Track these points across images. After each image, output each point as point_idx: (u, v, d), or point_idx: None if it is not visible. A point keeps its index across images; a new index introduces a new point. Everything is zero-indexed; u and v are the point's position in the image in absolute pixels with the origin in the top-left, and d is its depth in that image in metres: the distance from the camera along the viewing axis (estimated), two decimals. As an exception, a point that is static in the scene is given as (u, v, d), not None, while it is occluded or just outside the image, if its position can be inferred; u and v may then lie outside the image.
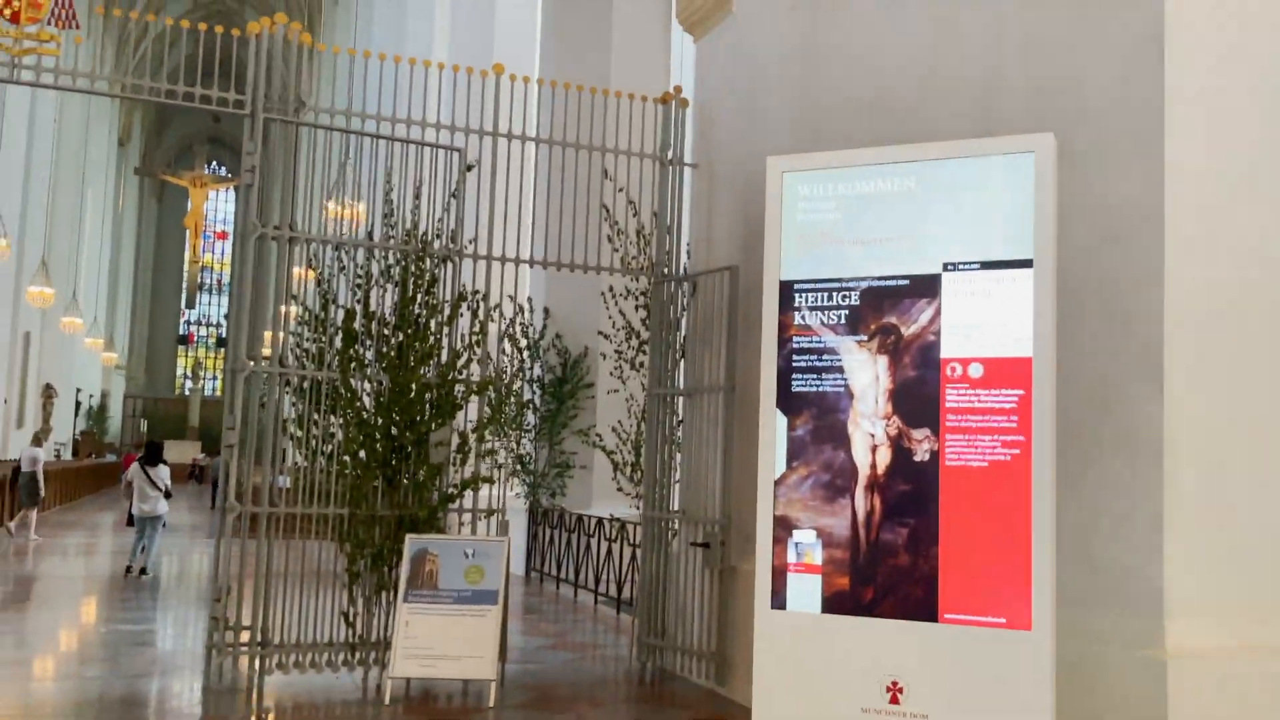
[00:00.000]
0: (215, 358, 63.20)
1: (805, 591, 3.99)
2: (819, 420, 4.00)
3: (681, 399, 7.41)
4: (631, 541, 9.77)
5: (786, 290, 4.12)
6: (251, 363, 6.41)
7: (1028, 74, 4.40)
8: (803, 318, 4.07)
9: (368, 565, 6.64)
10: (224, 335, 63.97)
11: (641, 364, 8.51)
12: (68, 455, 38.20)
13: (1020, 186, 3.81)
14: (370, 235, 6.87)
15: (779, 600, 4.04)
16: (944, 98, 4.68)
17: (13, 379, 32.09)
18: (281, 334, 6.76)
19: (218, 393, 61.02)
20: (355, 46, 7.03)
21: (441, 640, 6.28)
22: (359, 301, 6.72)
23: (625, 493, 9.25)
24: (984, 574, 3.81)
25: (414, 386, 6.66)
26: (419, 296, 6.81)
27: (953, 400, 3.87)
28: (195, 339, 63.83)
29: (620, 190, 7.79)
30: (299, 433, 6.60)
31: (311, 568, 6.61)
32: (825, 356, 4.02)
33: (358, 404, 6.65)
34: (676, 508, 7.37)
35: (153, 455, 12.78)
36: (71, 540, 16.34)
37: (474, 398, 6.95)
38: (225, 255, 63.54)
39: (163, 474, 12.58)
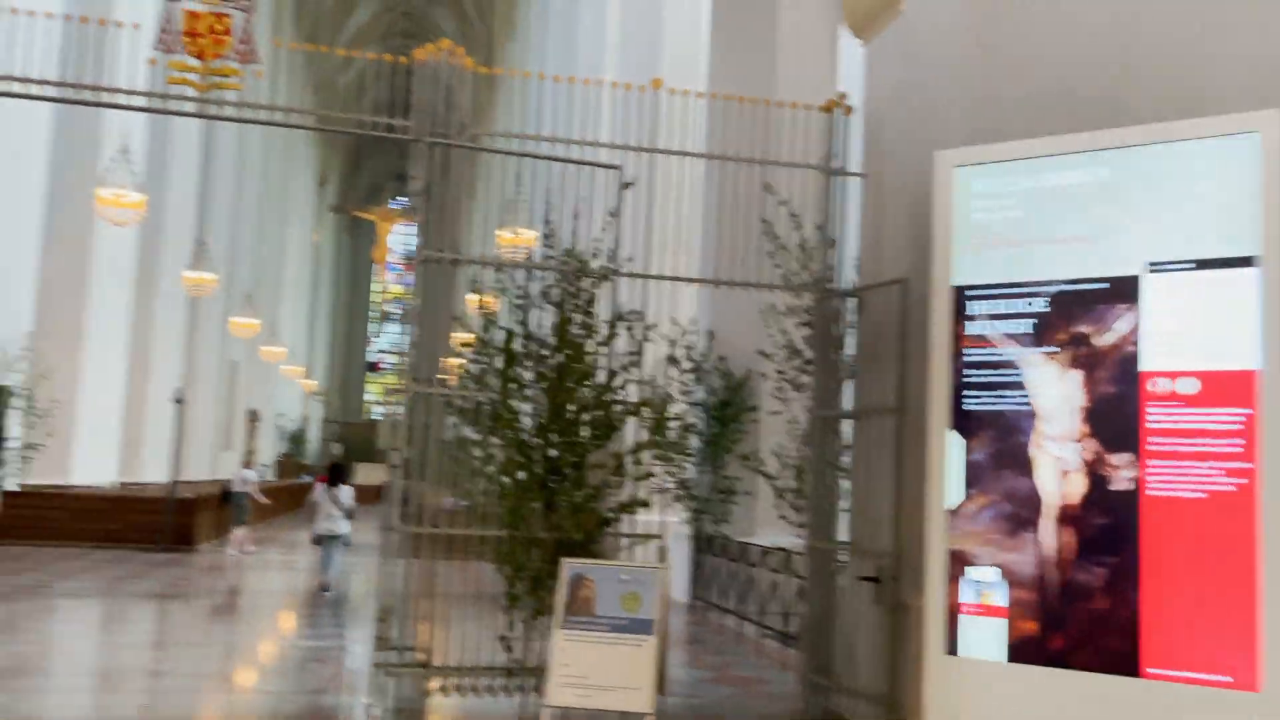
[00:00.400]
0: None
1: (985, 636, 3.56)
2: (999, 443, 3.57)
3: (848, 422, 7.02)
4: (797, 572, 9.38)
5: (959, 297, 3.72)
6: (416, 385, 6.45)
7: (1244, 49, 3.86)
8: (978, 327, 3.66)
9: (526, 589, 6.54)
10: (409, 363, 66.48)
11: (805, 385, 8.16)
12: (269, 476, 40.55)
13: (1239, 173, 3.29)
14: (530, 255, 6.82)
15: (954, 644, 3.62)
16: (1142, 81, 4.17)
17: (221, 404, 34.40)
18: (442, 357, 6.78)
19: (400, 417, 63.45)
20: (531, 71, 7.00)
21: (598, 669, 6.07)
22: (519, 322, 6.68)
23: (789, 521, 8.89)
24: (1196, 623, 3.29)
25: (571, 407, 6.54)
26: (577, 316, 6.71)
27: (1156, 420, 3.37)
28: (383, 366, 66.95)
29: (782, 204, 7.50)
30: (461, 454, 6.58)
31: (475, 589, 6.57)
32: (1005, 371, 3.59)
33: (517, 425, 6.58)
34: (843, 538, 6.96)
35: (336, 476, 13.25)
36: (271, 557, 17.19)
37: (633, 419, 6.78)
38: (412, 287, 66.33)
39: (345, 494, 12.99)
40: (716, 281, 7.18)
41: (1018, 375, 3.57)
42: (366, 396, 65.59)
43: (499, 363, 6.62)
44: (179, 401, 17.51)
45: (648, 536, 6.79)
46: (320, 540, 12.85)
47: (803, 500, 8.21)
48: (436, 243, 6.59)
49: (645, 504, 6.67)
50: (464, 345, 6.71)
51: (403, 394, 6.52)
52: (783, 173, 7.20)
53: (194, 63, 6.42)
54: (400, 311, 66.05)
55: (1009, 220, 3.66)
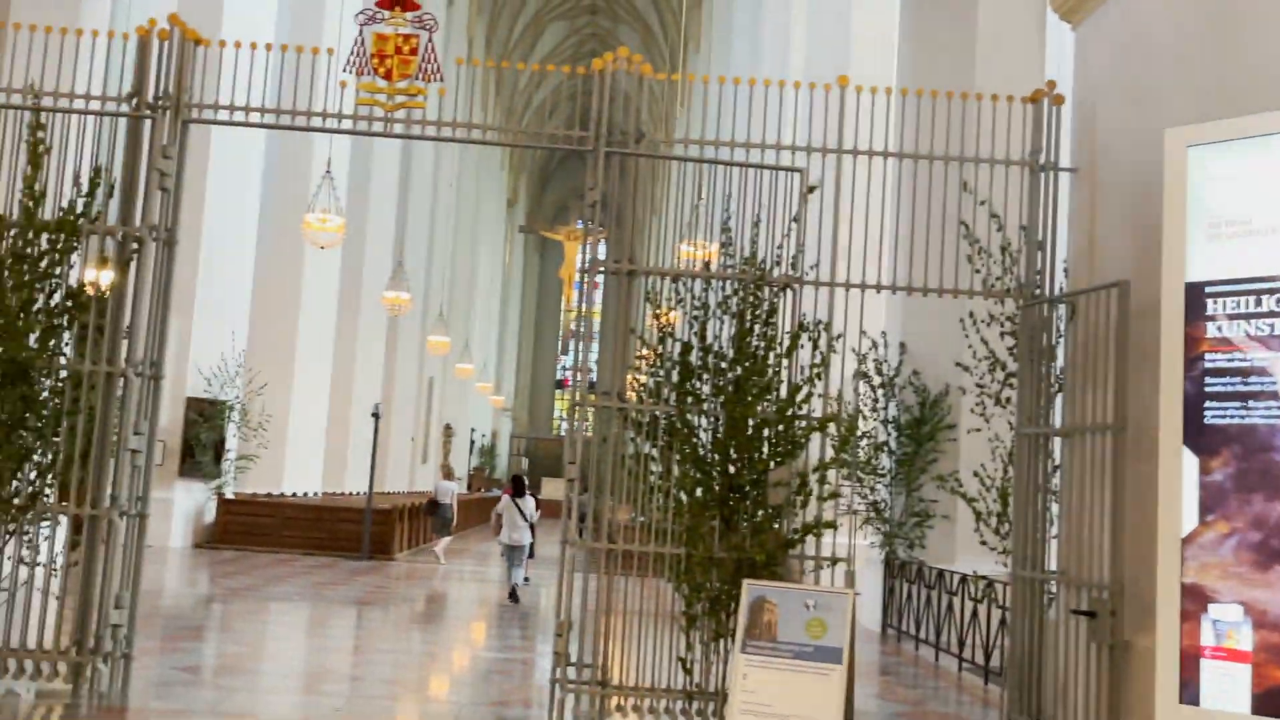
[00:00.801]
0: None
1: (1228, 685, 3.09)
2: (1244, 461, 3.10)
3: (1058, 440, 6.46)
4: (1000, 603, 8.74)
5: (1195, 295, 3.26)
6: (595, 398, 6.39)
7: None
8: (1219, 329, 3.20)
9: (705, 609, 6.34)
10: (594, 380, 68.05)
11: (1009, 400, 7.62)
12: (462, 489, 42.01)
13: None
14: (707, 265, 6.64)
15: (1191, 693, 3.17)
16: None
17: (418, 419, 35.93)
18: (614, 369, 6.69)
19: (589, 434, 64.76)
20: (713, 78, 6.84)
21: (781, 698, 5.78)
22: (696, 334, 6.51)
23: (991, 547, 8.30)
24: None
25: (751, 422, 6.30)
26: (757, 327, 6.47)
27: None
28: (570, 383, 68.42)
29: (982, 203, 7.02)
30: (638, 469, 6.46)
31: (653, 607, 6.42)
32: (1254, 379, 3.12)
33: (694, 440, 6.40)
34: (1054, 567, 6.40)
35: (520, 488, 13.53)
36: (464, 567, 17.69)
37: (816, 436, 6.47)
38: (599, 305, 67.85)
39: (529, 506, 13.26)
40: (910, 289, 6.80)
41: (1272, 383, 3.09)
42: (554, 413, 67.25)
43: (676, 376, 6.47)
44: (376, 416, 18.31)
45: (834, 560, 6.44)
46: (504, 550, 13.17)
47: (1007, 525, 7.63)
48: (614, 254, 6.52)
49: (831, 526, 6.35)
50: (641, 358, 6.60)
51: (581, 408, 6.47)
52: (981, 171, 6.74)
53: (382, 83, 6.60)
54: (582, 328, 67.52)
55: (1256, 204, 3.19)
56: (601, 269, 6.45)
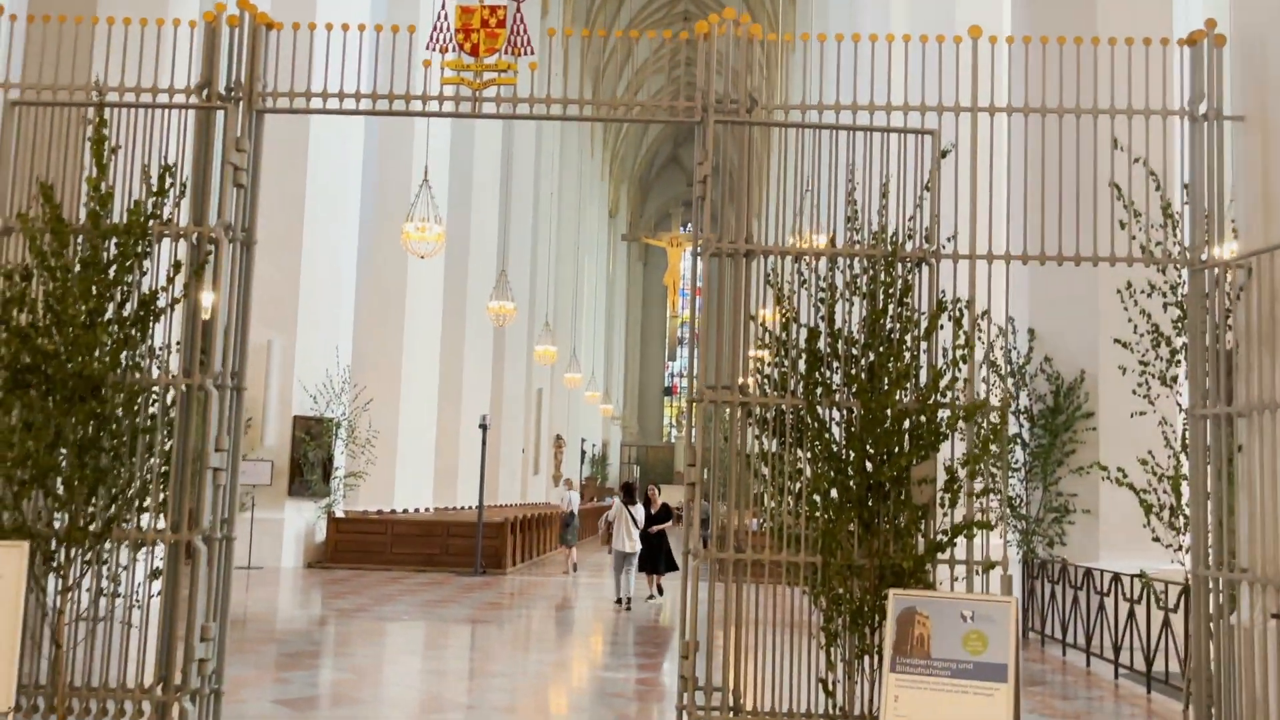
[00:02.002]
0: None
1: None
2: None
3: (1240, 420, 5.60)
4: (1162, 604, 7.84)
5: None
6: (710, 392, 5.73)
7: None
8: None
9: (846, 623, 5.61)
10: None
11: (1174, 379, 6.77)
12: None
13: None
14: (832, 242, 5.91)
15: None
16: None
17: (528, 430, 35.79)
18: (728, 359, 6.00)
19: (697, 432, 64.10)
20: (814, 37, 6.14)
21: (942, 725, 5.02)
22: (823, 318, 5.79)
23: (1164, 543, 7.38)
24: None
25: (889, 413, 5.55)
26: (891, 308, 5.72)
27: None
28: (678, 390, 67.86)
29: (1137, 160, 6.18)
30: (764, 469, 5.77)
31: (788, 621, 5.73)
32: None
33: (826, 435, 5.68)
34: (1243, 565, 5.54)
35: (630, 495, 13.16)
36: (578, 578, 17.21)
37: (961, 426, 5.71)
38: (702, 310, 67.08)
39: (639, 513, 12.96)
40: (1062, 258, 5.97)
41: None
42: (664, 420, 66.76)
43: (802, 365, 5.78)
44: (484, 427, 17.99)
45: (989, 564, 5.65)
46: (614, 557, 13.06)
47: (1177, 518, 6.74)
48: (727, 233, 5.85)
49: (987, 526, 5.56)
50: (762, 347, 5.90)
51: (696, 403, 5.81)
52: (1118, 126, 5.95)
53: (469, 60, 6.08)
54: (689, 335, 66.99)
55: None
56: (716, 250, 5.78)
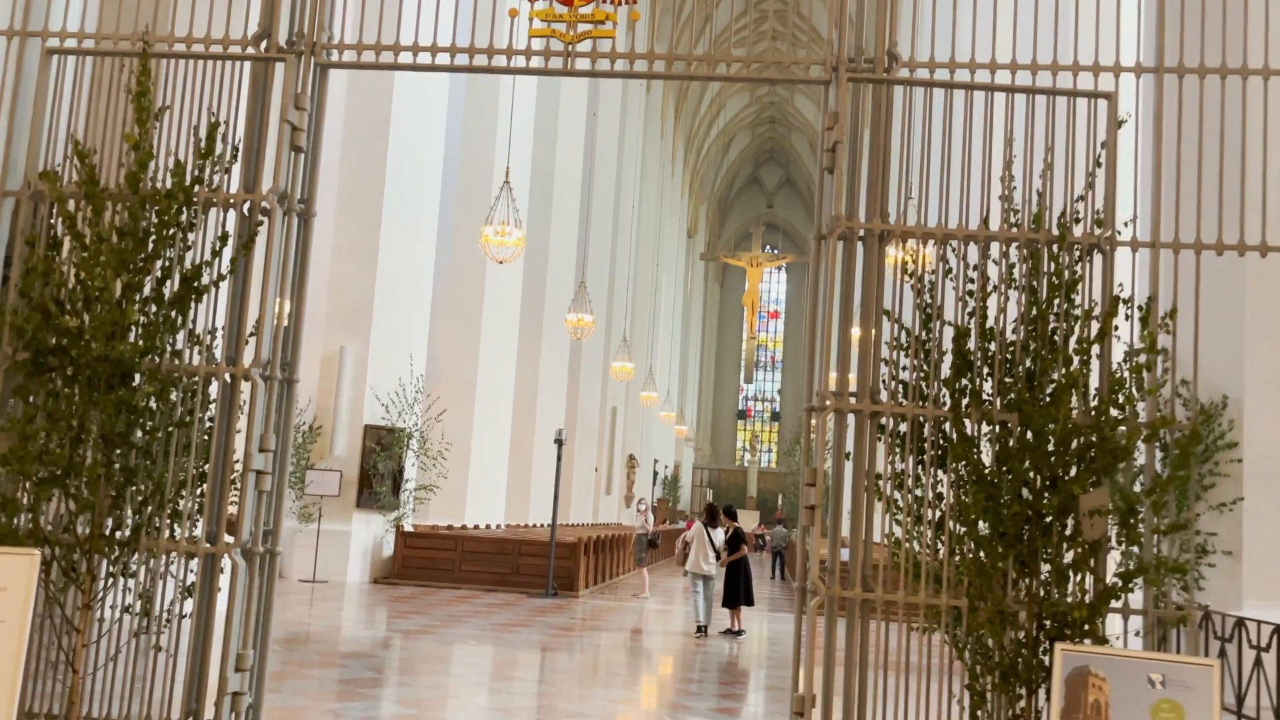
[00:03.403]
0: (770, 431, 65.40)
1: None
2: None
3: None
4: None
5: None
6: (832, 400, 4.81)
7: None
8: None
9: (995, 682, 4.62)
10: (777, 410, 66.36)
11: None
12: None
13: None
14: (985, 223, 4.95)
15: None
16: None
17: (602, 449, 35.02)
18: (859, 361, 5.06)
19: (772, 465, 62.93)
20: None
21: (1132, 824, 4.01)
22: (971, 314, 4.83)
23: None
24: None
25: (1054, 429, 4.57)
26: (1056, 303, 4.75)
27: None
28: (752, 413, 66.66)
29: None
30: (895, 494, 4.82)
31: (920, 673, 4.77)
32: None
33: (974, 454, 4.71)
34: None
35: (712, 517, 12.38)
36: (650, 605, 16.29)
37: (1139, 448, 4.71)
38: (778, 333, 65.97)
39: (719, 537, 12.20)
40: (1265, 249, 4.93)
41: None
42: (737, 443, 65.54)
43: (946, 369, 4.83)
44: (560, 443, 17.22)
45: (1181, 618, 4.62)
46: (691, 580, 12.46)
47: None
48: (857, 212, 4.94)
49: (1181, 570, 4.54)
50: (895, 347, 4.96)
51: (816, 412, 4.89)
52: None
53: (561, 9, 5.28)
54: (769, 359, 65.59)
55: None
56: (844, 231, 4.87)
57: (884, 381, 4.91)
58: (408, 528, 16.97)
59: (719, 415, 65.58)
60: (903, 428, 4.84)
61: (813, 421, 4.93)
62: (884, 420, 4.86)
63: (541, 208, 24.27)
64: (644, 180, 40.32)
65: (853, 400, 4.84)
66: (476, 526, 19.58)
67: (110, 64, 5.18)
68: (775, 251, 56.89)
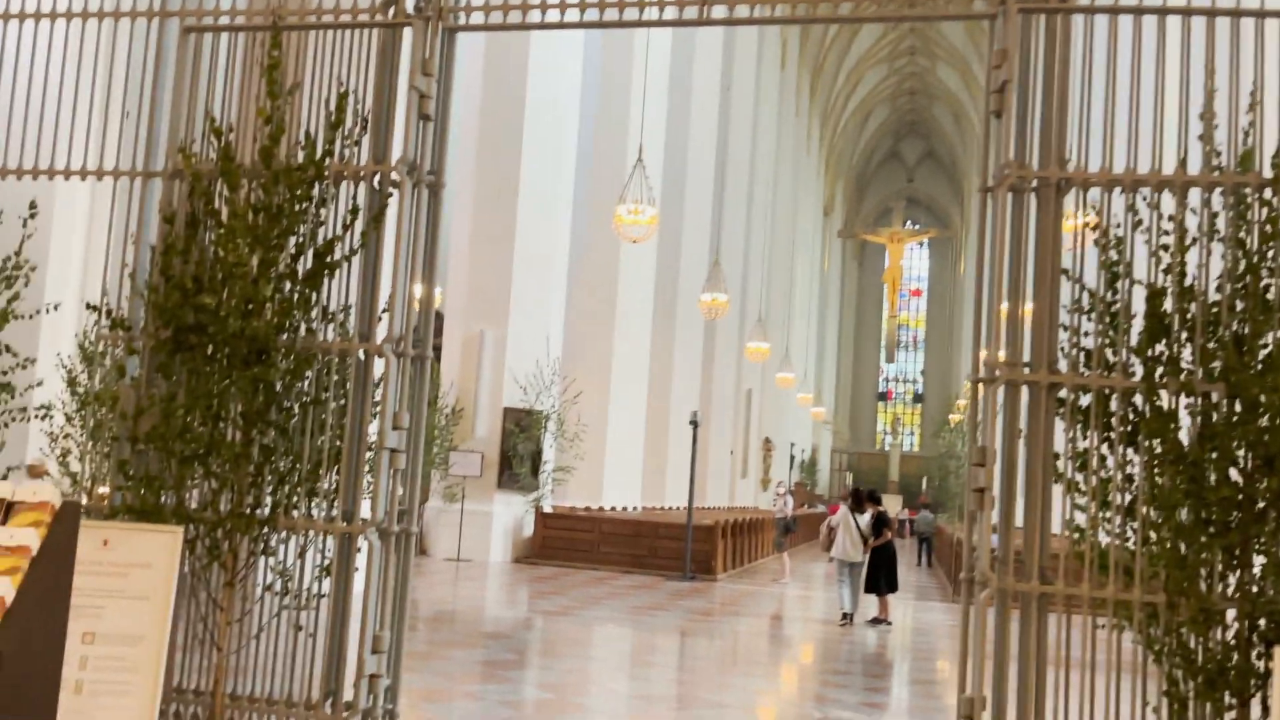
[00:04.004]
0: (912, 413, 63.63)
1: None
2: None
3: None
4: None
5: None
6: (1005, 369, 4.34)
7: None
8: None
9: (1197, 688, 4.10)
10: (920, 391, 64.42)
11: None
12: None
13: None
14: (1183, 166, 4.37)
15: None
16: None
17: (737, 431, 34.61)
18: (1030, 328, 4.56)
19: (915, 448, 61.19)
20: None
21: None
22: (1166, 271, 4.28)
23: None
24: None
25: (1268, 401, 4.00)
26: (1270, 256, 4.15)
27: None
28: (893, 395, 64.98)
29: None
30: (1077, 474, 4.33)
31: (1114, 678, 4.27)
32: None
33: (1172, 431, 4.17)
34: None
35: (859, 501, 11.87)
36: (790, 590, 15.89)
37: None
38: (920, 312, 64.02)
39: (865, 521, 11.66)
40: None
41: None
42: (877, 425, 64.02)
43: (1136, 335, 4.30)
44: (695, 424, 16.93)
45: None
46: (837, 566, 11.99)
47: None
48: (1030, 159, 4.44)
49: None
50: (1077, 309, 4.44)
51: (985, 383, 4.43)
52: None
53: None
54: (911, 339, 63.73)
55: None
56: (1017, 182, 4.38)
57: (1062, 350, 4.41)
58: (546, 509, 17.01)
59: (858, 397, 64.16)
60: (1085, 400, 4.34)
61: (981, 395, 4.48)
62: (1063, 393, 4.36)
63: (675, 186, 23.97)
64: (779, 158, 39.55)
65: (1027, 371, 4.36)
66: (613, 508, 19.52)
67: (244, 40, 5.11)
68: (917, 227, 55.17)
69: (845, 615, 11.56)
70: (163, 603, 4.47)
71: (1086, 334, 4.40)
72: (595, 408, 19.23)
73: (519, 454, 16.45)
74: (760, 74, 35.12)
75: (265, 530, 4.74)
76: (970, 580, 4.42)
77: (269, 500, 4.74)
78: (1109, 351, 4.34)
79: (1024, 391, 4.42)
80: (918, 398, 64.40)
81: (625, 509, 20.07)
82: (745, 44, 32.43)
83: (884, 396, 64.91)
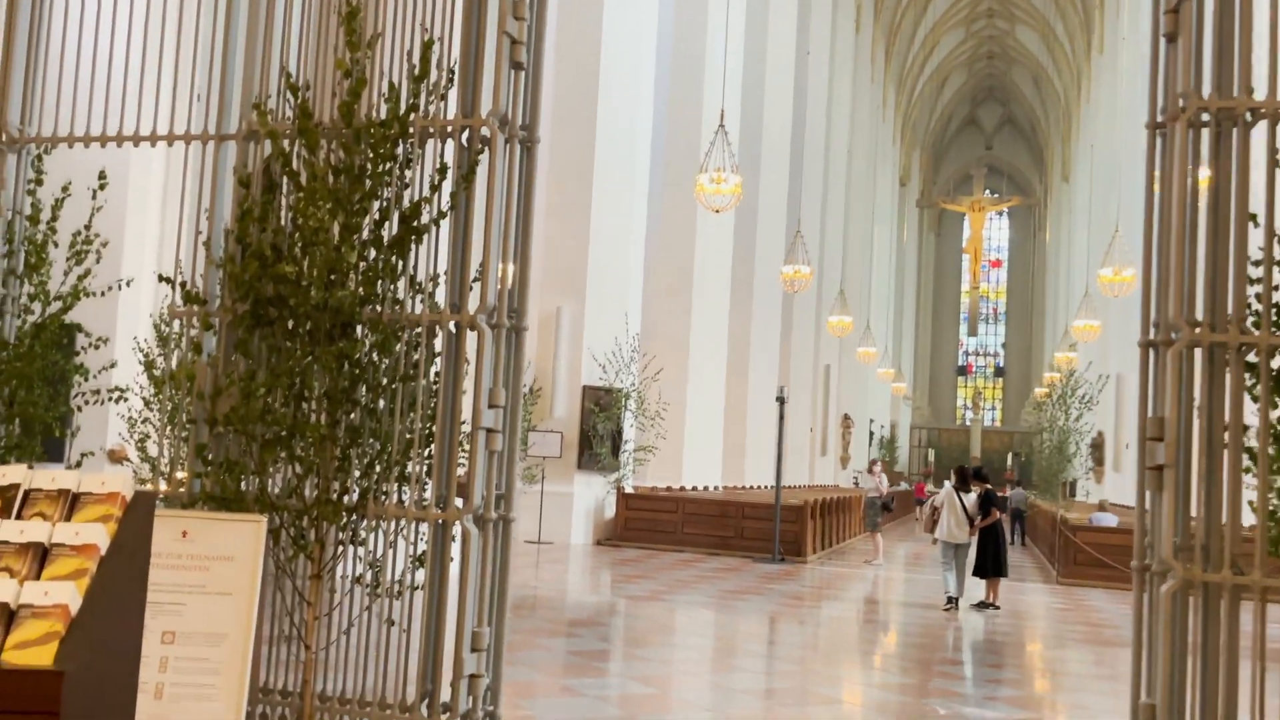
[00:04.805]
0: (994, 388, 62.06)
1: None
2: None
3: None
4: None
5: None
6: (1190, 330, 3.78)
7: None
8: None
9: None
10: (1000, 365, 62.71)
11: None
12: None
13: None
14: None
15: None
16: None
17: (815, 408, 33.91)
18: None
19: (997, 424, 59.64)
20: None
21: None
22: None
23: None
24: None
25: None
26: None
27: None
28: (974, 369, 63.41)
29: None
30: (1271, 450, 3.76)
31: None
32: None
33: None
34: None
35: (965, 480, 11.24)
36: (886, 573, 15.32)
37: None
38: (1000, 284, 62.32)
39: (971, 501, 11.04)
40: None
41: None
42: (958, 400, 62.57)
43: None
44: (782, 401, 16.40)
45: None
46: (943, 549, 11.34)
47: None
48: (1203, 88, 3.86)
49: None
50: (1258, 263, 3.86)
51: (1164, 347, 3.87)
52: None
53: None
54: (991, 311, 62.02)
55: None
56: (1189, 116, 3.80)
57: (1250, 305, 3.83)
58: (628, 489, 16.65)
59: (937, 372, 62.75)
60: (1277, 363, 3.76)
61: (1155, 360, 3.92)
62: (1251, 353, 3.79)
63: (751, 156, 23.32)
64: (855, 126, 38.51)
65: (1214, 333, 3.79)
66: (695, 488, 19.10)
67: (318, -14, 4.73)
68: (997, 195, 53.51)
69: (950, 599, 10.99)
70: (247, 598, 4.14)
71: (1277, 288, 3.81)
72: (674, 385, 18.81)
73: (599, 433, 16.10)
74: (835, 39, 34.16)
75: (353, 518, 4.40)
76: (1145, 569, 3.89)
77: (357, 486, 4.40)
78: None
79: (1197, 355, 3.86)
80: (999, 371, 62.77)
81: (706, 489, 19.63)
82: (821, 6, 31.53)
83: (964, 371, 63.40)
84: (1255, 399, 3.79)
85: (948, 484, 11.40)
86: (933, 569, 15.95)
